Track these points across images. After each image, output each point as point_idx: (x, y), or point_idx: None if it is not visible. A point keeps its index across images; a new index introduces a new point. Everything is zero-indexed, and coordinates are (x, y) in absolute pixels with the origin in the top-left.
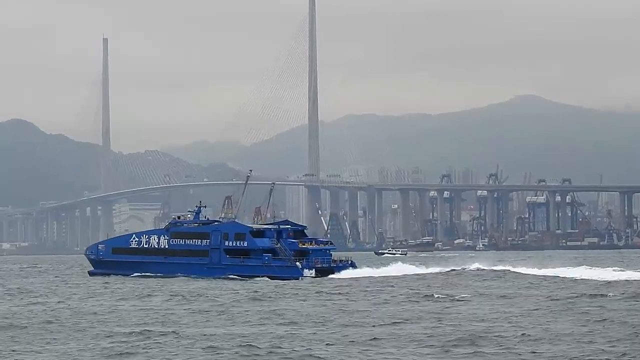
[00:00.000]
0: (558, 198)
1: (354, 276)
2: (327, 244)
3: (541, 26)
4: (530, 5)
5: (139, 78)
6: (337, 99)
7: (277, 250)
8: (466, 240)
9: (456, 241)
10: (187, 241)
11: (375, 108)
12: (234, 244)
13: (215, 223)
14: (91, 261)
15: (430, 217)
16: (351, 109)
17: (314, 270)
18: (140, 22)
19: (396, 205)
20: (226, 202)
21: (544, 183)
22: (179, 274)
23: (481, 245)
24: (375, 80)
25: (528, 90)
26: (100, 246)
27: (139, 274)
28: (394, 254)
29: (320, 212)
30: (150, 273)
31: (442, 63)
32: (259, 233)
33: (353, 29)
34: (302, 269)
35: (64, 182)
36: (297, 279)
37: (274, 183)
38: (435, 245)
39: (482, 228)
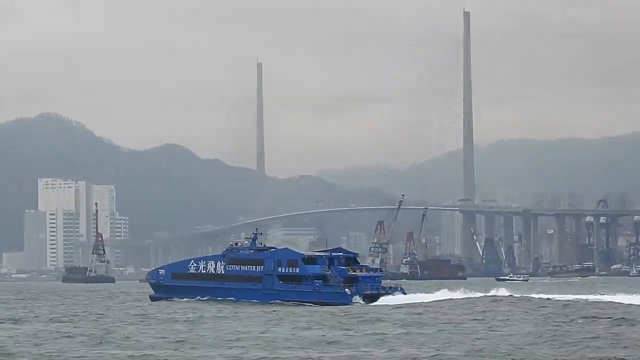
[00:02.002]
0: None
1: (401, 302)
2: (376, 271)
3: None
4: None
5: (292, 101)
6: (491, 123)
7: (327, 277)
8: (623, 265)
9: (613, 266)
10: (242, 267)
11: (529, 132)
12: (287, 270)
13: (271, 250)
14: (152, 285)
15: (587, 242)
16: (505, 133)
17: (362, 296)
18: (292, 43)
19: (552, 231)
20: (378, 227)
21: None
22: (234, 299)
23: (635, 271)
24: (530, 104)
25: None
26: (160, 271)
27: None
28: (515, 279)
29: (475, 237)
30: (208, 298)
31: (596, 87)
32: (311, 260)
33: (506, 52)
34: (351, 295)
35: (219, 207)
36: (346, 305)
37: (426, 208)
38: (595, 271)
39: (639, 254)
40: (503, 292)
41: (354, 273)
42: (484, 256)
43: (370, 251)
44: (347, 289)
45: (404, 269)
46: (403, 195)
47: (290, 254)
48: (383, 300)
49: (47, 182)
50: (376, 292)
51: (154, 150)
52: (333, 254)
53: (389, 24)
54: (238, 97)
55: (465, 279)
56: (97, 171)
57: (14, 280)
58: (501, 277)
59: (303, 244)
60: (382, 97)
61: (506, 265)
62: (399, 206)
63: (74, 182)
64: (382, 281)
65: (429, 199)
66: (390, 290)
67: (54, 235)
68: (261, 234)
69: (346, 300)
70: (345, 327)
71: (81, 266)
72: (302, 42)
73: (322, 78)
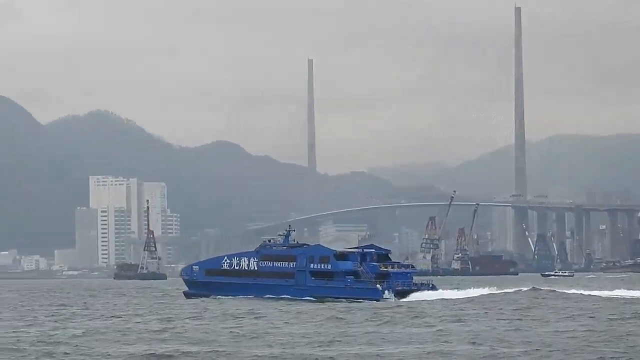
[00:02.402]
0: None
1: (431, 298)
2: (408, 267)
3: None
4: None
5: (344, 98)
6: (543, 118)
7: (359, 273)
8: None
9: None
10: (275, 263)
11: (581, 128)
12: (319, 267)
13: (304, 246)
14: (186, 282)
15: (639, 237)
16: (557, 129)
17: (393, 292)
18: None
19: (604, 226)
20: (430, 223)
21: None
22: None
23: None
24: (582, 100)
25: None
26: (194, 267)
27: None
28: (560, 275)
29: (527, 233)
30: (240, 295)
31: None
32: (343, 256)
33: (558, 48)
34: (382, 291)
35: (270, 204)
36: (377, 301)
37: (477, 204)
38: None
39: None
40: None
41: (385, 269)
42: (536, 252)
43: (421, 247)
44: (378, 285)
45: (456, 265)
46: (454, 191)
47: (322, 251)
48: (414, 297)
49: (98, 179)
50: (407, 288)
51: (205, 147)
52: (365, 250)
53: (441, 22)
54: (288, 94)
55: (517, 274)
56: (149, 168)
57: (66, 278)
58: (546, 273)
59: (354, 240)
60: (434, 93)
61: (558, 261)
62: (451, 202)
63: (125, 179)
64: (414, 277)
65: (481, 195)
66: (421, 287)
67: (105, 233)
68: (294, 230)
69: (377, 296)
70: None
71: (132, 263)
72: (350, 39)
73: (374, 75)
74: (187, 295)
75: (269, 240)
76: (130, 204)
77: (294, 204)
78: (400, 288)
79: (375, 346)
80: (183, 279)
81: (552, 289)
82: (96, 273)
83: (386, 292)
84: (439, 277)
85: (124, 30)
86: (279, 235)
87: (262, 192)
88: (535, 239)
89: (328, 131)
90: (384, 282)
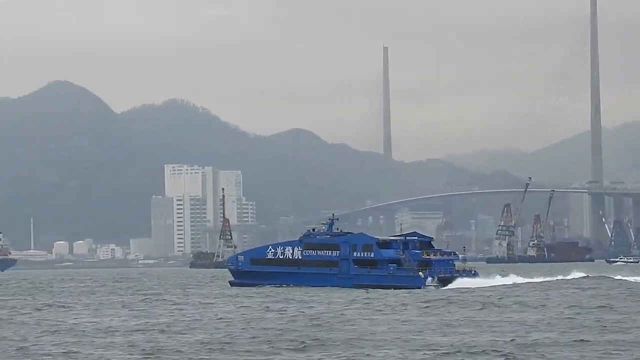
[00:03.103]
0: None
1: (474, 285)
2: (450, 254)
3: None
4: None
5: (419, 86)
6: (619, 105)
7: (401, 261)
8: None
9: None
10: (319, 252)
11: None
12: (362, 255)
13: (348, 234)
14: (231, 271)
15: None
16: (634, 115)
17: (435, 279)
18: (414, 30)
19: None
20: (505, 210)
21: None
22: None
23: None
24: None
25: None
26: (239, 257)
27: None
28: (626, 262)
29: (604, 220)
30: (285, 283)
31: None
32: (386, 244)
33: (633, 33)
34: (425, 278)
35: (346, 191)
36: (420, 288)
37: (553, 190)
38: None
39: None
40: (578, 274)
41: (427, 257)
42: (612, 238)
43: (497, 234)
44: (420, 273)
45: (531, 252)
46: (530, 177)
47: (365, 239)
48: (456, 284)
49: (173, 168)
50: (449, 275)
51: (281, 135)
52: (408, 238)
53: (515, 9)
54: (364, 82)
55: (593, 261)
56: (224, 156)
57: (142, 267)
58: (611, 259)
59: (430, 228)
60: (509, 80)
61: (635, 247)
62: (526, 189)
63: (200, 168)
64: (456, 264)
65: (557, 182)
66: (464, 274)
67: (181, 221)
68: (337, 219)
69: (419, 284)
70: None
71: (208, 252)
72: (423, 29)
73: (449, 62)
74: (233, 284)
75: (313, 229)
76: (206, 192)
77: (370, 192)
78: (442, 275)
79: None
80: (229, 268)
81: (585, 275)
82: (172, 262)
83: (428, 279)
84: (514, 264)
85: (196, 22)
86: (323, 224)
87: (338, 180)
88: (612, 226)
89: (404, 119)
90: (426, 269)
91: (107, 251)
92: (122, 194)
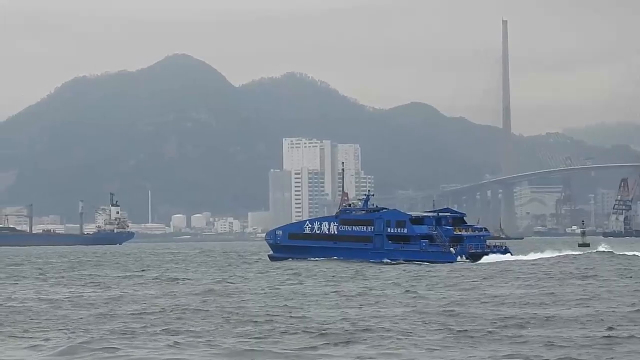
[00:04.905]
0: None
1: (503, 260)
2: (481, 230)
3: None
4: None
5: (537, 58)
6: None
7: (433, 237)
8: None
9: None
10: (354, 227)
11: None
12: (395, 231)
13: (383, 210)
14: (270, 246)
15: None
16: None
17: (467, 255)
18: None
19: None
20: (622, 185)
21: None
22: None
23: None
24: None
25: None
26: (278, 232)
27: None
28: None
29: None
30: (320, 257)
31: None
32: (418, 220)
33: None
34: (456, 254)
35: (465, 165)
36: (450, 263)
37: None
38: None
39: None
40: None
41: (459, 233)
42: None
43: (613, 209)
44: (452, 248)
45: None
46: None
47: (398, 215)
48: (487, 259)
49: (292, 141)
50: (480, 250)
51: (399, 108)
52: (440, 214)
53: None
54: (481, 55)
55: None
56: (342, 130)
57: (260, 240)
58: None
59: (549, 202)
60: (628, 52)
61: None
62: None
63: (318, 141)
64: (487, 240)
65: None
66: (495, 249)
67: (299, 195)
68: (373, 195)
69: (451, 259)
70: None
71: None
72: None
73: (568, 35)
74: (272, 258)
75: (349, 205)
76: (324, 165)
77: (488, 166)
78: (473, 251)
79: None
80: (267, 242)
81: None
82: None
83: (460, 255)
84: (631, 238)
85: None
86: (359, 200)
87: (456, 154)
88: None
89: (522, 92)
90: (457, 245)
91: (224, 224)
92: (240, 167)
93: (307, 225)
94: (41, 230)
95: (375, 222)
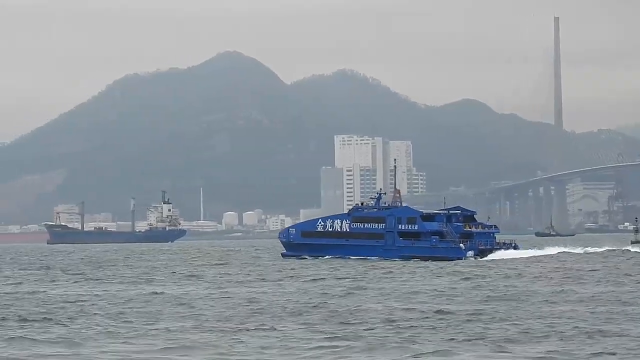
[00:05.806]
0: None
1: (510, 256)
2: (491, 227)
3: None
4: None
5: (589, 55)
6: None
7: (444, 233)
8: None
9: None
10: (366, 225)
11: None
12: (406, 227)
13: (394, 208)
14: (283, 244)
15: None
16: None
17: (476, 251)
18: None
19: None
20: None
21: None
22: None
23: None
24: None
25: None
26: (291, 230)
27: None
28: None
29: None
30: (334, 255)
31: None
32: (429, 217)
33: None
34: (465, 250)
35: (516, 162)
36: (460, 259)
37: None
38: None
39: None
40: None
41: (469, 229)
42: None
43: None
44: (461, 245)
45: None
46: None
47: (410, 212)
48: (495, 255)
49: (343, 138)
50: (489, 247)
51: (451, 105)
52: (451, 211)
53: None
54: (535, 52)
55: None
56: (394, 127)
57: None
58: None
59: (602, 198)
60: None
61: None
62: None
63: (370, 139)
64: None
65: None
66: (503, 246)
67: (350, 192)
68: (385, 193)
69: (460, 255)
70: None
71: None
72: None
73: (622, 31)
74: (285, 256)
75: (361, 204)
76: (376, 163)
77: (540, 163)
78: (482, 247)
79: None
80: (280, 240)
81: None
82: None
83: (470, 251)
84: None
85: None
86: (371, 198)
87: (508, 151)
88: None
89: (575, 89)
90: (467, 241)
91: (276, 221)
92: (292, 164)
93: (320, 223)
94: (93, 228)
95: (387, 219)
